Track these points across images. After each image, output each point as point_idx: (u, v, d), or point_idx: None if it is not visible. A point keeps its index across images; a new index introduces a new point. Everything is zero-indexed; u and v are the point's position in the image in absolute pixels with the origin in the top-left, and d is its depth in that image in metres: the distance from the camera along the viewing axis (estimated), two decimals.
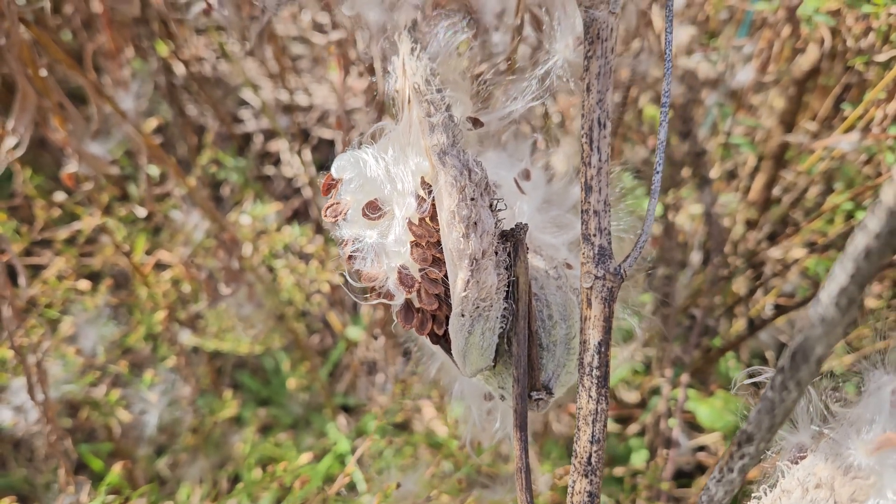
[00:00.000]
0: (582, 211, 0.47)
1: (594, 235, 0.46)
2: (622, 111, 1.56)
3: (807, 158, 1.67)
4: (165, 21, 1.83)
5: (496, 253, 0.48)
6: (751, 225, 1.88)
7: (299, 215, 2.27)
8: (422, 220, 0.47)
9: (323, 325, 2.02)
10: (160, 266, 1.27)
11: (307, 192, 2.26)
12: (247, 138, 2.41)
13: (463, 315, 0.47)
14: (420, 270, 0.48)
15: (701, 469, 1.71)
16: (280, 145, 2.39)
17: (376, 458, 1.40)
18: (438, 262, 0.48)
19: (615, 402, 1.80)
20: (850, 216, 1.65)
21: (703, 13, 1.83)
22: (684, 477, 1.67)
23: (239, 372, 1.88)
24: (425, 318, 0.49)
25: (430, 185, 0.47)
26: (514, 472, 0.48)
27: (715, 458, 1.64)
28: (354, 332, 1.93)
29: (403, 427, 1.67)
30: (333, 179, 0.49)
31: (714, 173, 1.83)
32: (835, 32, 1.53)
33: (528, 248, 0.50)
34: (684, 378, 1.48)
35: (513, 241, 0.49)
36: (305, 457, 1.03)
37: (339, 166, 0.49)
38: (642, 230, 0.47)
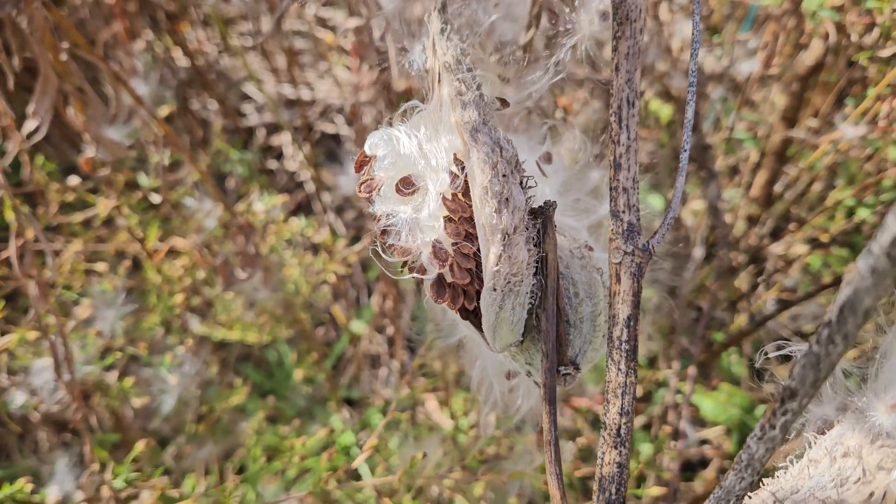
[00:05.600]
0: (611, 188, 0.47)
1: (623, 212, 0.47)
2: None
3: (809, 155, 1.68)
4: (170, 14, 1.84)
5: (527, 229, 0.49)
6: (753, 221, 1.89)
7: (302, 209, 2.28)
8: (455, 195, 0.48)
9: (328, 318, 2.03)
10: (173, 252, 1.28)
11: (310, 187, 2.27)
12: (250, 132, 2.41)
13: (495, 290, 0.48)
14: (453, 245, 0.49)
15: (704, 463, 1.72)
16: (283, 139, 2.40)
17: (382, 448, 1.41)
18: (471, 237, 0.49)
19: None
20: (851, 213, 1.66)
21: (707, 8, 1.84)
22: (689, 470, 1.68)
23: (243, 364, 1.88)
24: (457, 292, 0.49)
25: (463, 162, 0.48)
26: (544, 444, 0.49)
27: (719, 452, 1.65)
28: (358, 326, 1.94)
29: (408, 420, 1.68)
30: (367, 156, 0.50)
31: (717, 168, 1.84)
32: (839, 28, 1.53)
33: (555, 226, 0.51)
34: (691, 370, 1.49)
35: (542, 218, 0.50)
36: (323, 432, 1.03)
37: (373, 143, 0.50)
38: (671, 206, 0.48)
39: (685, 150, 0.47)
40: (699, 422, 1.69)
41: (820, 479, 0.42)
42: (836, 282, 1.23)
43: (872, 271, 0.26)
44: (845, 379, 0.45)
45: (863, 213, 1.59)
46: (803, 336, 1.80)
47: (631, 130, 0.47)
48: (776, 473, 0.45)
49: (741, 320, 1.85)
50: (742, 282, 1.91)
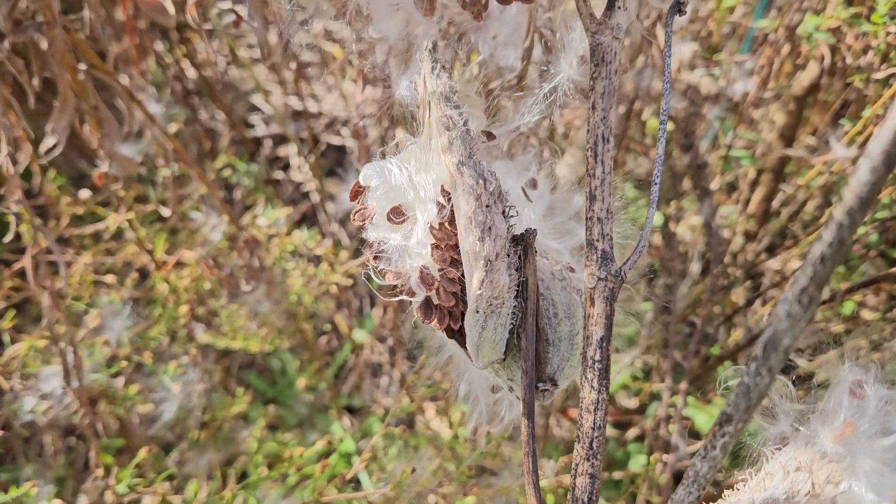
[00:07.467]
0: (587, 218, 0.51)
1: (597, 240, 0.51)
2: (626, 124, 1.60)
3: (806, 172, 1.71)
4: (180, 28, 1.88)
5: (508, 255, 0.52)
6: (750, 237, 1.92)
7: (307, 219, 2.32)
8: (441, 224, 0.52)
9: (330, 328, 2.06)
10: (179, 264, 1.32)
11: (315, 198, 2.31)
12: (257, 143, 2.45)
13: (478, 311, 0.52)
14: (439, 270, 0.53)
15: None
16: (289, 150, 2.44)
17: (381, 455, 1.44)
18: (456, 263, 0.53)
19: (614, 408, 1.84)
20: None
21: (707, 29, 1.88)
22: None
23: (245, 372, 1.92)
24: (443, 313, 0.53)
25: (450, 193, 0.52)
26: (522, 456, 0.52)
27: None
28: (360, 335, 1.97)
29: (407, 426, 1.71)
30: (361, 187, 0.54)
31: (714, 185, 1.87)
32: (834, 50, 1.56)
33: (535, 252, 0.54)
34: (683, 385, 1.52)
35: (523, 244, 0.54)
36: (321, 442, 1.07)
37: (366, 175, 0.54)
38: (641, 236, 0.52)
39: (655, 184, 0.51)
40: (693, 435, 1.71)
41: (774, 492, 0.45)
42: (831, 298, 1.25)
43: (788, 315, 0.30)
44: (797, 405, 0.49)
45: (857, 231, 1.61)
46: (798, 351, 1.82)
47: (606, 165, 0.51)
48: (736, 486, 0.49)
49: (737, 335, 1.88)
50: (738, 297, 1.94)
